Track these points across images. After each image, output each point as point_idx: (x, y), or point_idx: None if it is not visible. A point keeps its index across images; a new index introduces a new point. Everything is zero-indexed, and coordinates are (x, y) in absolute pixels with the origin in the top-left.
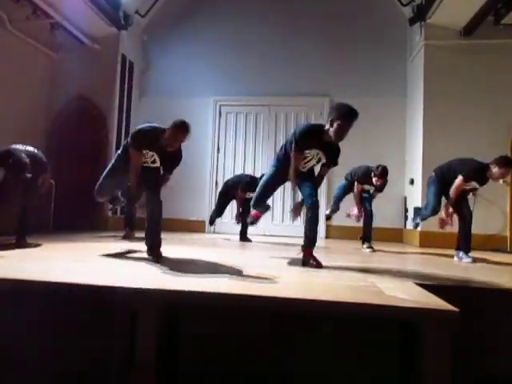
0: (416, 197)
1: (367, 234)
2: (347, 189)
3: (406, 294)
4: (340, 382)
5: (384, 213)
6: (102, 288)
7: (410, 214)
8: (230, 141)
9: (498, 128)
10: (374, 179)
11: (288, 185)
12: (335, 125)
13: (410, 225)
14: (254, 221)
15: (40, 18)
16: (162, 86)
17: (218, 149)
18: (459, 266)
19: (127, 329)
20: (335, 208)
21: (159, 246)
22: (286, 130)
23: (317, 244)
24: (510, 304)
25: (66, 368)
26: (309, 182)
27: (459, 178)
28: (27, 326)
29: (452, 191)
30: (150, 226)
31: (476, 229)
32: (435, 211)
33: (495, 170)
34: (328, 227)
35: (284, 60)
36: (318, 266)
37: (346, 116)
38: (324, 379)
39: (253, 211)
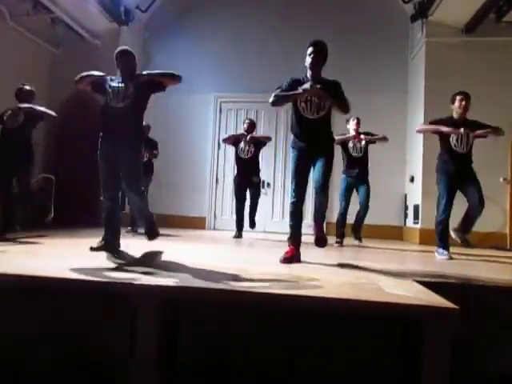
0: (416, 194)
1: (357, 226)
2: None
3: (406, 292)
4: (339, 380)
5: (384, 210)
6: (103, 284)
7: (410, 211)
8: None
9: (499, 125)
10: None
11: (287, 183)
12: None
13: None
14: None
15: (41, 12)
16: None
17: (219, 145)
18: (459, 264)
19: (128, 326)
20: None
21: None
22: (286, 127)
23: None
24: (510, 302)
25: (67, 365)
26: (324, 161)
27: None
28: (27, 322)
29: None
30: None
31: (476, 226)
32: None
33: (452, 106)
34: (327, 225)
35: (285, 56)
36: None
37: (308, 47)
38: (323, 377)
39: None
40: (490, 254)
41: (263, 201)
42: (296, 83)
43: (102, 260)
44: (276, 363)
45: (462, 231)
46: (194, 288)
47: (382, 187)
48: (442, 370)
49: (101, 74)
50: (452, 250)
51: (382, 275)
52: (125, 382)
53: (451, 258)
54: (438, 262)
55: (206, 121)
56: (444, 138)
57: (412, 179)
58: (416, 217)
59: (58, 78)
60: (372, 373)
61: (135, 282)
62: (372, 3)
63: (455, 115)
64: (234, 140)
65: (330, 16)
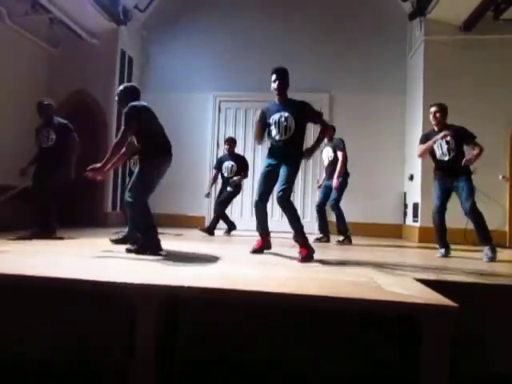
0: (415, 193)
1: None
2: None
3: (406, 290)
4: (339, 379)
5: (383, 209)
6: (102, 284)
7: (410, 210)
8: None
9: (498, 124)
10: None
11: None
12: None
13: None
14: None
15: (39, 12)
16: (161, 81)
17: (218, 144)
18: (459, 262)
19: (127, 326)
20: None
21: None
22: None
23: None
24: (509, 300)
25: (66, 365)
26: (287, 167)
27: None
28: (26, 322)
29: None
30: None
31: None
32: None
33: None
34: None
35: (284, 56)
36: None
37: (271, 75)
38: (323, 376)
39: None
40: None
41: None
42: (264, 114)
43: (102, 259)
44: (275, 363)
45: (485, 242)
46: (193, 288)
47: (381, 185)
48: (442, 368)
49: None
50: (453, 247)
51: (381, 273)
52: (125, 382)
53: (446, 256)
54: (438, 260)
55: (204, 120)
56: (431, 151)
57: (411, 177)
58: (415, 215)
59: (56, 77)
60: (372, 372)
61: (134, 282)
62: (370, 2)
63: (435, 127)
64: (220, 163)
65: (328, 15)
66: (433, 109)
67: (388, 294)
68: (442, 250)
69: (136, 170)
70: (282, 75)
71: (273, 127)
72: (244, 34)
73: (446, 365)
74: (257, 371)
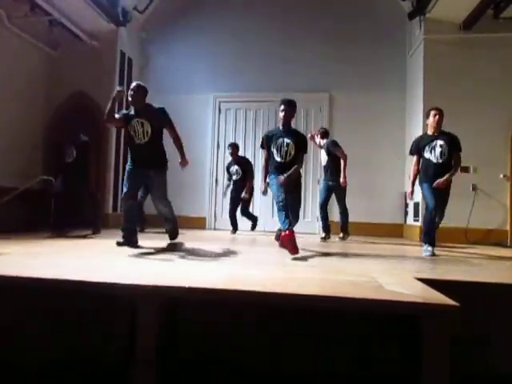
0: (416, 192)
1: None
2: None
3: (407, 289)
4: (339, 379)
5: (385, 208)
6: (103, 284)
7: (410, 209)
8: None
9: (498, 122)
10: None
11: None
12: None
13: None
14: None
15: (38, 14)
16: (161, 82)
17: (218, 145)
18: (461, 261)
19: (128, 326)
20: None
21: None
22: None
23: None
24: (510, 299)
25: (66, 365)
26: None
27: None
28: (27, 322)
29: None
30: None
31: (476, 223)
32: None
33: (427, 121)
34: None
35: (283, 56)
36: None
37: (279, 105)
38: (323, 377)
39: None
40: (491, 251)
41: (263, 200)
42: (270, 138)
43: (102, 260)
44: (275, 363)
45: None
46: (193, 288)
47: (382, 185)
48: (442, 368)
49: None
50: (454, 246)
51: (382, 273)
52: (124, 382)
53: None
54: (439, 259)
55: (205, 121)
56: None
57: None
58: (416, 214)
59: (56, 79)
60: (372, 372)
61: (135, 283)
62: (370, 1)
63: (430, 131)
64: (228, 169)
65: (328, 14)
66: (435, 111)
67: (388, 293)
68: (430, 249)
69: (159, 180)
70: (289, 107)
71: (274, 150)
72: (244, 35)
73: (446, 365)
74: (257, 371)
